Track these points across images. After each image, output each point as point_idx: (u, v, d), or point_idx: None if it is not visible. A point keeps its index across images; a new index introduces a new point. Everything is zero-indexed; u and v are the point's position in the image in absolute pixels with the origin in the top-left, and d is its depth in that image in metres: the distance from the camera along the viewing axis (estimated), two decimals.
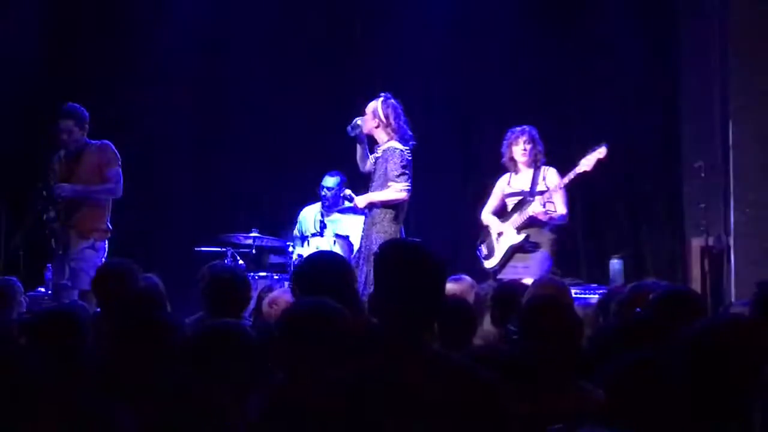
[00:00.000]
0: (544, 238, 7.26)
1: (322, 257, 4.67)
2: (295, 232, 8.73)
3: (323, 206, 8.72)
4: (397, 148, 7.06)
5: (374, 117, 7.20)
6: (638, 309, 4.18)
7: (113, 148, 7.27)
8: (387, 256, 2.83)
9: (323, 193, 8.67)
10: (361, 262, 6.91)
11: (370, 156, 7.26)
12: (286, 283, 8.15)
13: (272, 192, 9.43)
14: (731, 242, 8.39)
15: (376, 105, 7.22)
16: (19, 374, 3.12)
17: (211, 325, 3.49)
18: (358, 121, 7.22)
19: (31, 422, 2.86)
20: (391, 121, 7.14)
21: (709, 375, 2.86)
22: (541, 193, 7.27)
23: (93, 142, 7.28)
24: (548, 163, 7.46)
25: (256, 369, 3.30)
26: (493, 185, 7.66)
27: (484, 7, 9.82)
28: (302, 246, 8.31)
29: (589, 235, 9.76)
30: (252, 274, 7.84)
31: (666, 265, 9.15)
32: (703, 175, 8.43)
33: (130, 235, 8.04)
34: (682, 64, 9.46)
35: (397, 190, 6.96)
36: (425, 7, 9.84)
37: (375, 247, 6.56)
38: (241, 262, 8.31)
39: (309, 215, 8.77)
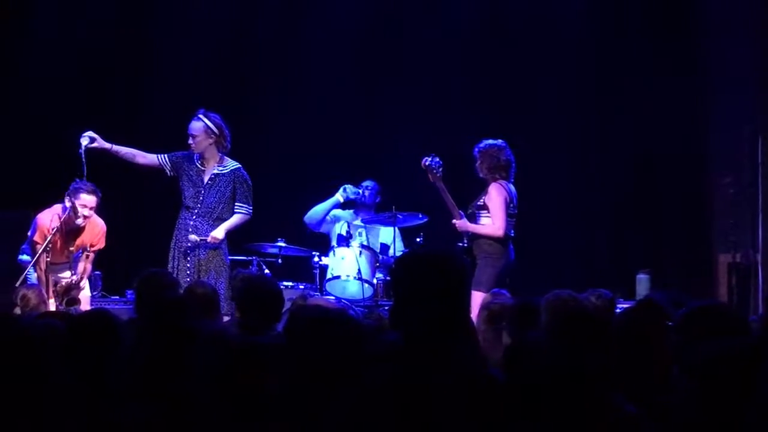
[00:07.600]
0: (480, 250, 7.20)
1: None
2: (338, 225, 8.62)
3: (358, 206, 8.73)
4: (241, 168, 7.31)
5: (208, 134, 7.22)
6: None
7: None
8: (405, 265, 2.82)
9: (363, 192, 8.68)
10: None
11: (165, 159, 7.38)
12: (311, 292, 8.17)
13: (299, 201, 9.43)
14: (759, 258, 8.34)
15: (204, 121, 7.23)
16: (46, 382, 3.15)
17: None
18: (84, 141, 7.12)
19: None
20: (224, 132, 7.27)
21: None
22: (481, 207, 7.28)
23: (97, 221, 7.37)
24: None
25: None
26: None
27: (508, 23, 9.86)
28: (327, 255, 8.30)
29: (615, 250, 9.72)
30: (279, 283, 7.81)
31: (693, 281, 9.08)
32: (731, 191, 8.39)
33: (156, 246, 8.05)
34: (710, 79, 9.41)
35: (247, 213, 7.32)
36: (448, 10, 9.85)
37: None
38: (267, 271, 8.30)
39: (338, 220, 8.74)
